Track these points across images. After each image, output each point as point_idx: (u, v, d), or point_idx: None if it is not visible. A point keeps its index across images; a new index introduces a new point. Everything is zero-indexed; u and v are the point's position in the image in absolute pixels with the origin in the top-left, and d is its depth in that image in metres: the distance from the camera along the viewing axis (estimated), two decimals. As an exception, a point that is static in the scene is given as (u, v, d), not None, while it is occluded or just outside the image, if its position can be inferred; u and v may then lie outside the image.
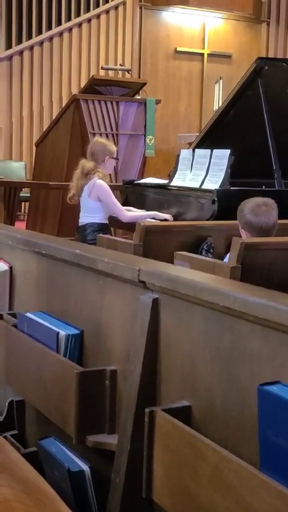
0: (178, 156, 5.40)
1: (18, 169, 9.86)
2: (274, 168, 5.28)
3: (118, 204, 4.83)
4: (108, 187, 4.79)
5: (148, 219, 4.64)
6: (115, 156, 4.99)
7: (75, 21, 10.43)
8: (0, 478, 1.51)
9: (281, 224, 3.49)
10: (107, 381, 1.96)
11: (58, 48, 10.39)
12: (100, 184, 4.75)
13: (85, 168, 4.81)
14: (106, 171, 4.92)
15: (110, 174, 5.27)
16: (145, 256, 3.00)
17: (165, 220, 4.79)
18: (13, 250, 2.65)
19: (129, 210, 5.02)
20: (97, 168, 4.82)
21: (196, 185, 5.00)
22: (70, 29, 10.44)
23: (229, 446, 1.48)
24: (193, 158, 5.17)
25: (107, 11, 10.67)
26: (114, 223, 5.05)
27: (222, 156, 4.91)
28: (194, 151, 5.26)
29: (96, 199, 4.77)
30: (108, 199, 4.76)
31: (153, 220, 4.70)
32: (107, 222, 4.90)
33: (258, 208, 3.23)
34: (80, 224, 4.91)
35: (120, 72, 9.74)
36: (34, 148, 8.34)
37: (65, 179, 6.79)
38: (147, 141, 7.55)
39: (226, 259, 3.38)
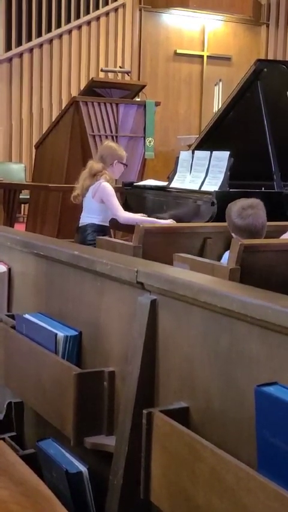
0: (177, 158, 5.40)
1: (17, 171, 9.87)
2: (273, 170, 5.28)
3: (117, 204, 4.83)
4: (112, 189, 4.81)
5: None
6: (124, 161, 4.99)
7: (74, 23, 10.44)
8: (-2, 480, 1.51)
9: (280, 226, 3.49)
10: (105, 382, 1.96)
11: (58, 50, 10.40)
12: (105, 186, 4.77)
13: (93, 168, 4.83)
14: (113, 175, 4.94)
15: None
16: (144, 258, 3.00)
17: None
18: (12, 252, 2.65)
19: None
20: (105, 170, 4.83)
21: (195, 187, 5.00)
22: (70, 31, 10.45)
23: (227, 448, 1.48)
24: (192, 160, 5.17)
25: (107, 13, 10.68)
26: (114, 225, 5.05)
27: (221, 158, 4.91)
28: (193, 153, 5.26)
29: (99, 201, 4.79)
30: (109, 199, 4.76)
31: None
32: (107, 224, 4.90)
33: (244, 211, 3.21)
34: (80, 224, 4.91)
35: (119, 74, 9.75)
36: (34, 150, 8.34)
37: (65, 181, 6.80)
38: (147, 143, 7.55)
39: (224, 257, 3.38)
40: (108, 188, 4.77)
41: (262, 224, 3.21)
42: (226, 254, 3.37)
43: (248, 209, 3.20)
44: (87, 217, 4.86)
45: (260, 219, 3.19)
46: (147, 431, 1.64)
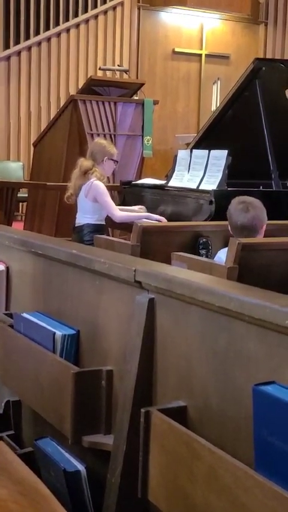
0: (176, 156, 5.40)
1: (16, 169, 9.86)
2: (271, 168, 5.29)
3: (112, 203, 4.82)
4: (104, 187, 4.77)
5: (144, 220, 4.62)
6: (115, 158, 4.96)
7: (73, 21, 10.43)
8: (-4, 479, 1.51)
9: (278, 225, 3.50)
10: (103, 381, 1.96)
11: (56, 49, 10.39)
12: (97, 184, 4.74)
13: (83, 166, 4.80)
14: (104, 173, 4.91)
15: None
16: (142, 257, 3.00)
17: (158, 221, 4.77)
18: (10, 251, 2.65)
19: (124, 210, 5.01)
20: (95, 167, 4.80)
21: (193, 186, 5.00)
22: (68, 30, 10.44)
23: (224, 447, 1.48)
24: (191, 159, 5.17)
25: (105, 12, 10.68)
26: (111, 223, 5.05)
27: (219, 156, 4.91)
28: (191, 151, 5.26)
29: (93, 200, 4.77)
30: (102, 198, 4.74)
31: (148, 221, 4.69)
32: (103, 223, 4.89)
33: (236, 205, 3.26)
34: (76, 225, 4.90)
35: (118, 72, 9.75)
36: (32, 148, 8.34)
37: (63, 180, 6.80)
38: (145, 141, 7.55)
39: (218, 255, 3.38)
40: (101, 187, 4.74)
41: (247, 223, 3.20)
42: (220, 252, 3.38)
43: (240, 204, 3.25)
44: (83, 217, 4.84)
45: (245, 219, 3.20)
46: (145, 430, 1.64)
